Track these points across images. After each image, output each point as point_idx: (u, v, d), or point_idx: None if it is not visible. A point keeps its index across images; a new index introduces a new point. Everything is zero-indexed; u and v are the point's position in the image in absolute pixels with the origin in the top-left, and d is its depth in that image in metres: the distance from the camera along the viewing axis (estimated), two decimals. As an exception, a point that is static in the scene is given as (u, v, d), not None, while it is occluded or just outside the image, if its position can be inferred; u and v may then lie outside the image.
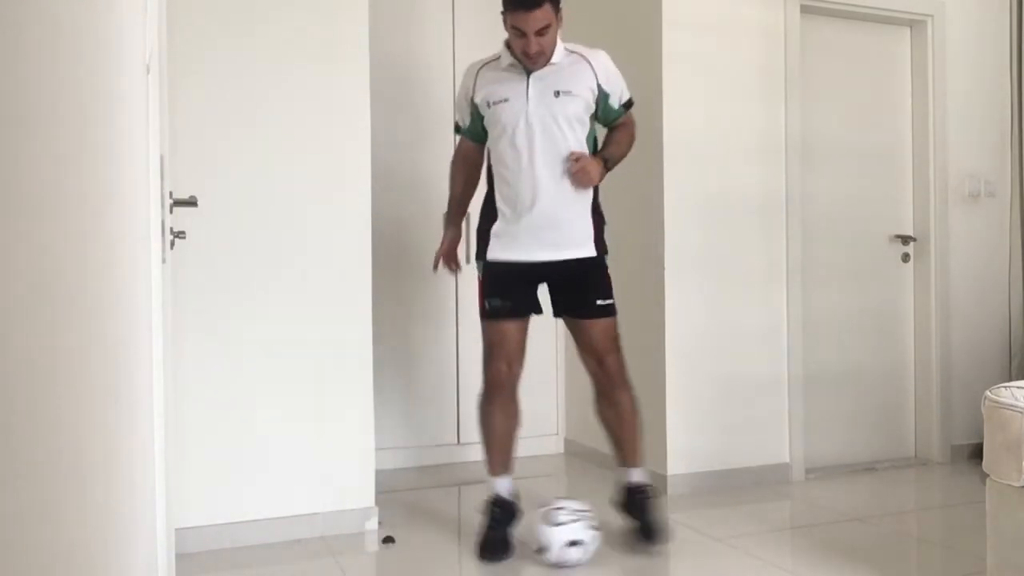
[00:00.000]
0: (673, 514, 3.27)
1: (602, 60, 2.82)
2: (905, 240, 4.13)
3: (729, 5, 3.67)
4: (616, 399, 2.89)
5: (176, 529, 2.50)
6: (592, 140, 2.87)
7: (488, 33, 4.04)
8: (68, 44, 0.70)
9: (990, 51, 4.22)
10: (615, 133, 2.90)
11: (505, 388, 2.84)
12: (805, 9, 3.83)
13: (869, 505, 3.38)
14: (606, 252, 2.88)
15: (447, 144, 4.09)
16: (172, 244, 2.16)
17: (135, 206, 1.15)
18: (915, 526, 3.26)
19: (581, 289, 2.84)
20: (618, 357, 2.89)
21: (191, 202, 2.26)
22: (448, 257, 3.08)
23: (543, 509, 2.71)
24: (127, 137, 1.05)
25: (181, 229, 2.37)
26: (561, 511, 2.68)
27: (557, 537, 2.63)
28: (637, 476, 2.90)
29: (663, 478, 3.51)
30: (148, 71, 1.45)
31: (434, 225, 4.06)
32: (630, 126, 2.92)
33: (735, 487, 3.56)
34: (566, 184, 2.75)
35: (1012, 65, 4.24)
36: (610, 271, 2.92)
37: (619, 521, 2.99)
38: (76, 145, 0.73)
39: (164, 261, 1.86)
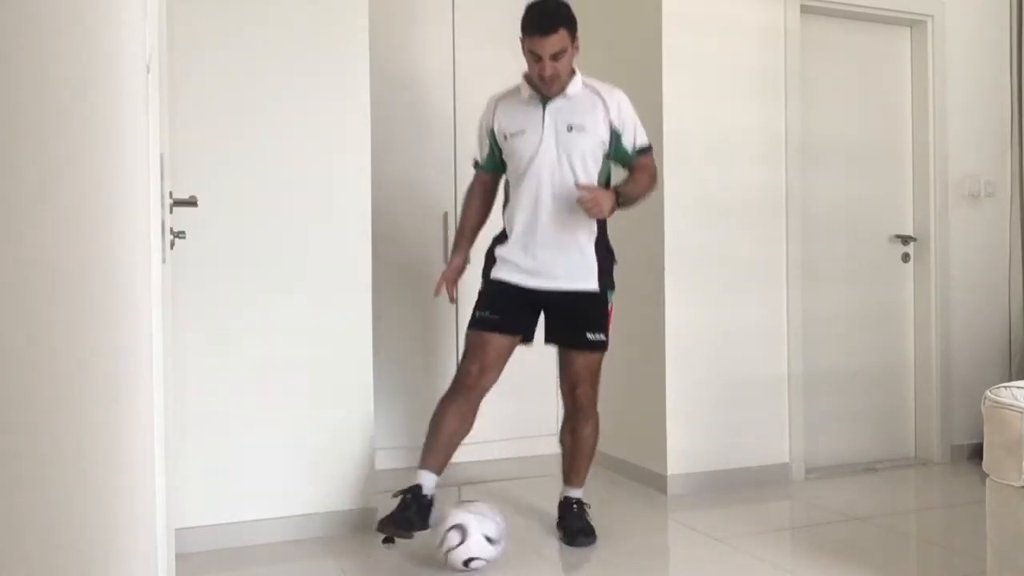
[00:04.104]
0: (673, 514, 3.28)
1: (616, 98, 2.86)
2: (905, 240, 4.13)
3: (729, 5, 3.67)
4: (578, 429, 2.95)
5: (176, 529, 2.50)
6: (606, 179, 2.89)
7: (488, 34, 4.05)
8: (68, 44, 0.70)
9: (990, 51, 4.22)
10: (633, 172, 2.90)
11: (470, 391, 2.81)
12: (805, 9, 3.83)
13: (869, 505, 3.38)
14: (612, 288, 2.89)
15: (447, 145, 4.09)
16: (172, 244, 2.16)
17: (135, 206, 1.15)
18: (915, 526, 3.26)
19: (574, 321, 2.86)
20: (591, 389, 2.92)
21: (191, 202, 2.25)
22: (451, 282, 3.03)
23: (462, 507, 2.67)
24: (127, 137, 1.05)
25: (181, 229, 2.37)
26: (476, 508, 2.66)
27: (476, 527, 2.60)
28: (576, 493, 3.00)
29: (663, 478, 3.51)
30: (148, 71, 1.45)
31: (434, 226, 4.07)
32: (648, 168, 2.90)
33: (735, 487, 3.56)
34: (570, 218, 2.78)
35: (1012, 65, 4.24)
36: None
37: (615, 526, 2.99)
38: (76, 145, 0.73)
39: (164, 261, 1.86)
